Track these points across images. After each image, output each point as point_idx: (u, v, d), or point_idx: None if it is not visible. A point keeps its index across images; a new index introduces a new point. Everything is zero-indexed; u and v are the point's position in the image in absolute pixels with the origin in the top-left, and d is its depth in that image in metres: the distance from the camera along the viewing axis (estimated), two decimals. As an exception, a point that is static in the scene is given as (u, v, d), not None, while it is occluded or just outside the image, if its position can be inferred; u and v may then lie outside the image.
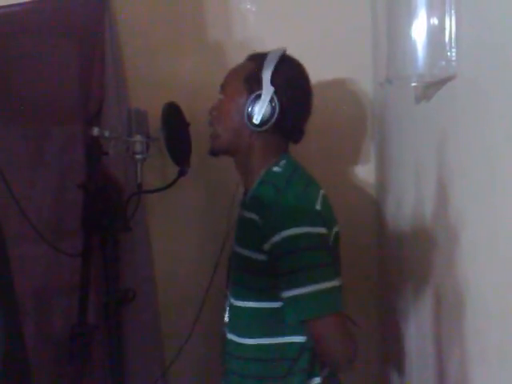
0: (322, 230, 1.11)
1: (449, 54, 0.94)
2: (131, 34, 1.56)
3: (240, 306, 1.19)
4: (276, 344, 1.15)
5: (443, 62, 0.95)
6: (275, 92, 1.17)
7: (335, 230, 1.20)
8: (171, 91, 1.29)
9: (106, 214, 1.34)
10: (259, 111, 1.18)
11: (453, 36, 0.94)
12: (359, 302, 1.58)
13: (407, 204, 1.34)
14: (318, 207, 1.13)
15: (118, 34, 1.52)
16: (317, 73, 1.58)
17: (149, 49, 1.59)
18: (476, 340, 0.95)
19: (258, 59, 1.22)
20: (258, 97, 1.17)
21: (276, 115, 1.17)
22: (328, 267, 1.09)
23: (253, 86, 1.19)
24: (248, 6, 1.60)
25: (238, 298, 1.19)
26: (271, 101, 1.17)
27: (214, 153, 1.29)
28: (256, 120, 1.18)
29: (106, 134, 1.33)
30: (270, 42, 1.42)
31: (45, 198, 1.40)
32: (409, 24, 0.98)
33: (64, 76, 1.41)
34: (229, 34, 1.59)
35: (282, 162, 1.21)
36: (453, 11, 0.93)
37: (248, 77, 1.20)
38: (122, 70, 1.54)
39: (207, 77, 1.50)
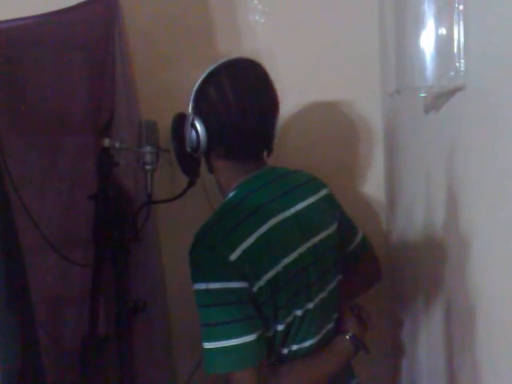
0: (234, 285, 1.00)
1: (457, 64, 0.94)
2: (141, 46, 1.58)
3: None
4: None
5: (452, 73, 0.95)
6: (200, 116, 1.11)
7: (285, 261, 1.07)
8: (181, 102, 1.30)
9: (116, 225, 1.35)
10: (186, 136, 1.17)
11: (461, 46, 0.94)
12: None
13: (417, 214, 1.34)
14: (234, 257, 1.00)
15: (128, 46, 1.54)
16: (325, 84, 1.59)
17: (159, 60, 1.61)
18: (488, 350, 0.94)
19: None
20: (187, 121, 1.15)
21: (203, 140, 1.12)
22: (234, 324, 0.99)
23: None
24: (256, 18, 1.61)
25: None
26: (193, 125, 1.12)
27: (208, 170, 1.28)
28: (186, 146, 1.18)
29: (117, 144, 1.35)
30: (279, 53, 1.43)
31: (56, 209, 1.41)
32: (417, 35, 0.98)
33: (75, 87, 1.42)
34: (237, 45, 1.60)
35: (232, 194, 1.13)
36: (461, 22, 0.94)
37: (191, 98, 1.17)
38: (133, 81, 1.56)
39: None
